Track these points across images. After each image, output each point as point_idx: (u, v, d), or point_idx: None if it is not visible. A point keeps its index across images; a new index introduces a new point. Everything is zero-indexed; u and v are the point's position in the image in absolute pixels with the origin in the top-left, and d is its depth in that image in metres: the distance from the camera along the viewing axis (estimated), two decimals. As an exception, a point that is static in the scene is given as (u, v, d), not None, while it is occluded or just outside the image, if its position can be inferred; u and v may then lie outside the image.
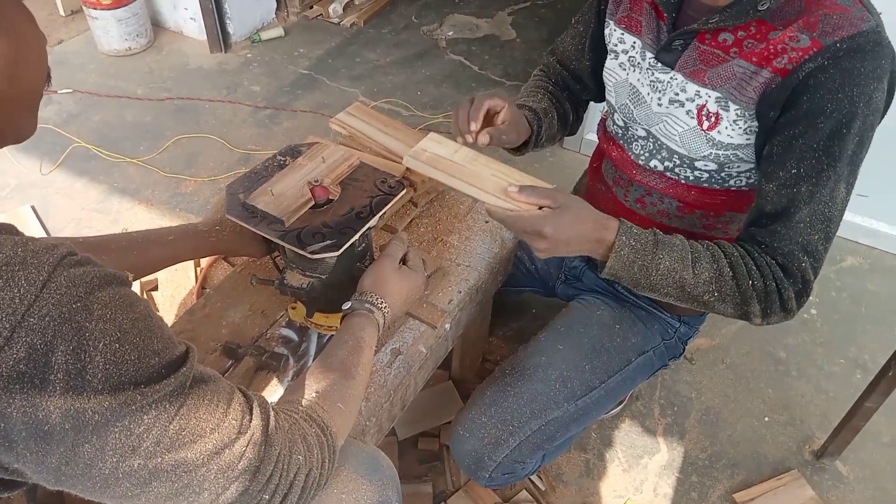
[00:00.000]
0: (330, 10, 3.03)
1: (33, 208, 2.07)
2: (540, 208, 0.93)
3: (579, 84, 1.26)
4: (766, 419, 1.59)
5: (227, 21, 2.77)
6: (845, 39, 0.85)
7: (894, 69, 0.89)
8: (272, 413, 0.64)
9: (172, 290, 1.56)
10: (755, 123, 0.95)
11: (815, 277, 0.95)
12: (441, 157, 1.01)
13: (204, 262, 1.46)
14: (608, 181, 1.25)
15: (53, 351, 0.47)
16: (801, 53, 0.87)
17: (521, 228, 0.93)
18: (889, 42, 0.87)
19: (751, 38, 0.92)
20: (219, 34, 2.74)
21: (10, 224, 0.52)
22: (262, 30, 2.92)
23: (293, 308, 1.11)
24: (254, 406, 0.62)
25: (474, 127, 1.03)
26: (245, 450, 0.58)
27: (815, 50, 0.86)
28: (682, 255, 0.94)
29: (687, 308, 1.01)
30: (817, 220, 0.91)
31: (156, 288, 1.61)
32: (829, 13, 0.87)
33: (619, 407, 1.56)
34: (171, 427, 0.53)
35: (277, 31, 2.90)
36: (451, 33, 3.02)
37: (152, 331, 0.53)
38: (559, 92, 1.27)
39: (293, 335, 1.13)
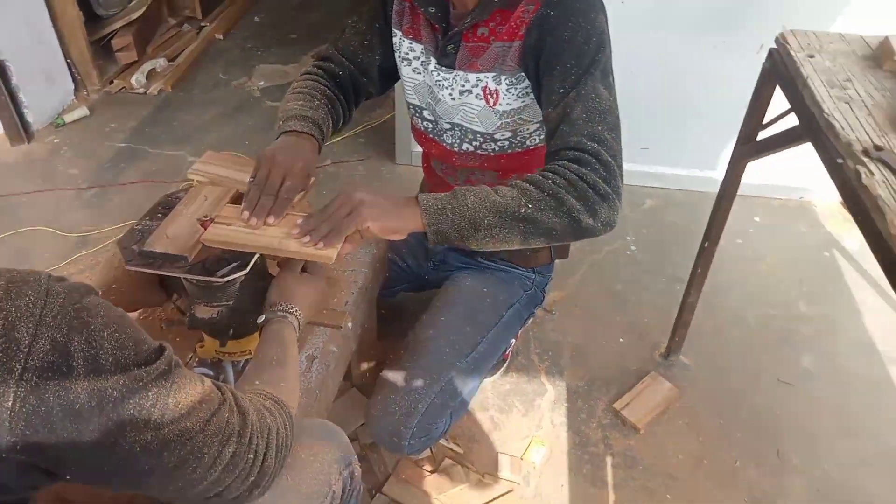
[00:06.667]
0: (133, 82, 2.99)
1: None
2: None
3: (366, 77, 1.32)
4: (621, 340, 1.90)
5: (25, 110, 2.65)
6: None
7: (604, 11, 1.12)
8: (232, 387, 0.74)
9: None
10: (526, 83, 1.18)
11: (614, 161, 1.02)
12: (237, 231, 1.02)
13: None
14: (439, 174, 1.45)
15: (71, 342, 0.56)
16: (531, 15, 1.11)
17: (339, 205, 0.99)
18: None
19: (499, 25, 1.15)
20: (18, 125, 2.60)
21: None
22: (65, 112, 2.81)
23: (201, 346, 1.17)
24: (216, 382, 0.72)
25: (272, 220, 1.03)
26: (229, 416, 0.69)
27: (538, 7, 1.10)
28: (480, 189, 1.02)
29: (522, 242, 1.03)
30: (593, 114, 1.04)
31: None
32: None
33: (504, 365, 1.77)
34: (170, 401, 0.63)
35: (81, 112, 2.81)
36: (262, 83, 3.12)
37: (134, 325, 0.64)
38: (334, 94, 1.29)
39: (208, 372, 1.19)
